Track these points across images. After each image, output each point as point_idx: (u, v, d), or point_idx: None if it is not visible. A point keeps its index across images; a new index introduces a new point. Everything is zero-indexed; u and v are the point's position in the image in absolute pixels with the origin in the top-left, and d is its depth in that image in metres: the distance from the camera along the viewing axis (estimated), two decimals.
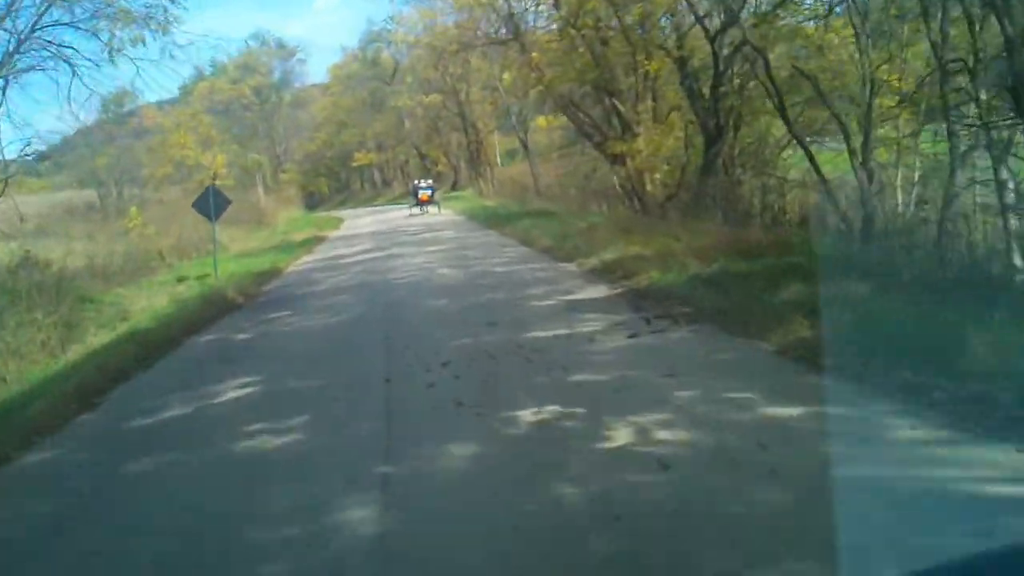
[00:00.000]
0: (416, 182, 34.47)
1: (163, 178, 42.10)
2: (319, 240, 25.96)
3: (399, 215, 33.97)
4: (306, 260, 19.78)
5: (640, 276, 9.64)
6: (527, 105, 37.39)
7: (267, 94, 49.78)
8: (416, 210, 31.71)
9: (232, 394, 6.61)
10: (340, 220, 36.36)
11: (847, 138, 16.33)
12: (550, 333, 7.40)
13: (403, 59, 53.92)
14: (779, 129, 18.64)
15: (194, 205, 18.99)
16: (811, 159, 16.45)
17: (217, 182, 43.20)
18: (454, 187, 49.80)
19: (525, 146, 37.09)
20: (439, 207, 31.97)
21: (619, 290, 9.44)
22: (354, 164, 66.11)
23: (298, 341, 8.87)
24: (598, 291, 9.60)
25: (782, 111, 16.50)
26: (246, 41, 51.30)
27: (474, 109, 40.95)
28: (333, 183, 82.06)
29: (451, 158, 50.88)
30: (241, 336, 9.75)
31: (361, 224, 32.34)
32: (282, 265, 18.82)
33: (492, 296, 10.00)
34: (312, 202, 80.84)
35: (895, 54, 15.83)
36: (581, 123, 21.19)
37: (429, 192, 32.19)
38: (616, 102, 20.35)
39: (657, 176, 20.65)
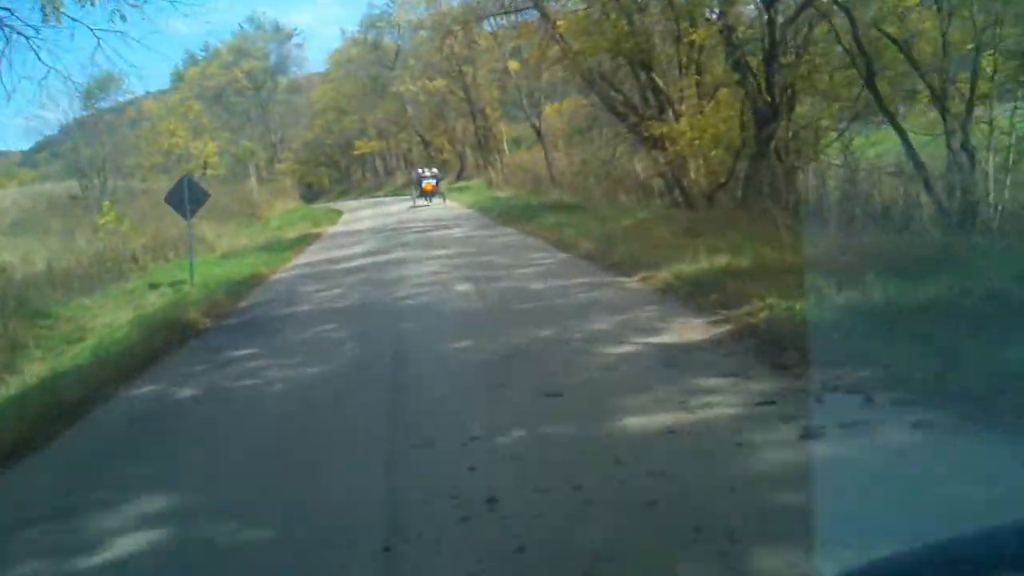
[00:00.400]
0: (419, 171, 32.11)
1: (151, 168, 39.26)
2: (313, 238, 23.08)
3: (402, 207, 31.08)
4: (295, 264, 16.89)
5: (749, 303, 6.70)
6: (540, 88, 34.41)
7: (262, 79, 46.59)
8: (421, 201, 29.65)
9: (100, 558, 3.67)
10: (339, 213, 33.46)
11: (944, 115, 13.47)
12: (656, 422, 4.47)
13: (406, 43, 50.93)
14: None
15: (167, 199, 16.29)
16: (906, 141, 13.56)
17: (207, 172, 40.41)
18: (460, 176, 46.80)
19: (538, 132, 34.11)
20: (444, 198, 29.84)
21: (725, 327, 6.49)
22: (355, 152, 63.13)
23: (255, 415, 5.94)
24: (692, 328, 6.65)
25: (870, 82, 13.61)
26: (240, 24, 48.37)
27: (481, 93, 37.90)
28: (333, 173, 79.20)
29: (456, 145, 47.86)
30: (182, 394, 6.85)
31: (361, 218, 29.45)
32: (267, 270, 15.96)
33: (537, 334, 7.05)
34: (311, 194, 77.90)
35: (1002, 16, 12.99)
36: (611, 102, 18.21)
37: (433, 182, 30.09)
38: (654, 77, 17.37)
39: (701, 163, 17.72)
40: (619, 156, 30.42)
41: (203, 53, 43.32)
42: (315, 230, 26.26)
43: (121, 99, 37.62)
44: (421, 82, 42.06)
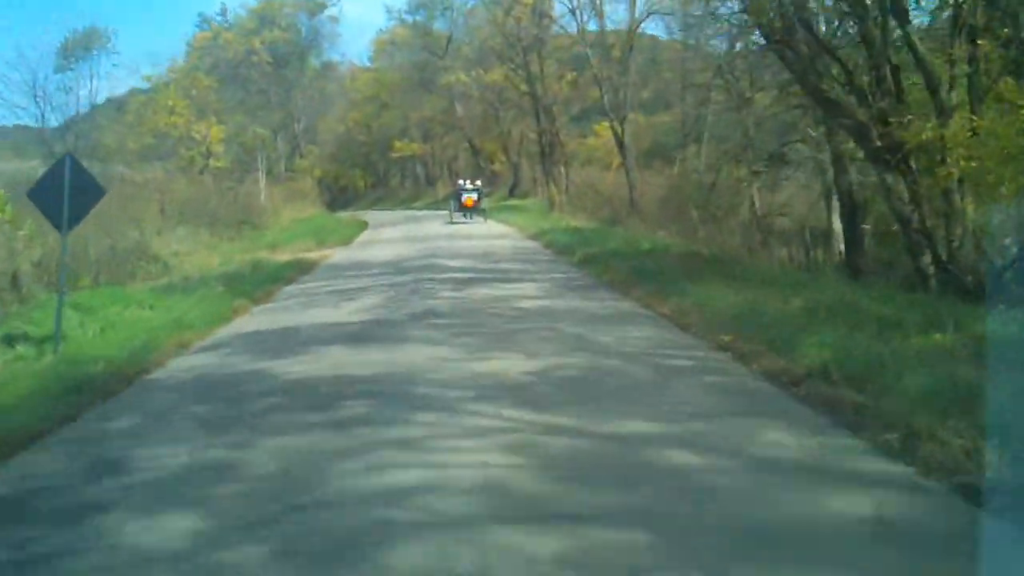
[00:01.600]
0: (460, 182, 27.57)
1: (140, 152, 32.23)
2: (303, 269, 15.71)
3: (437, 227, 23.87)
4: (240, 328, 9.37)
5: None
6: (626, 83, 26.70)
7: (287, 56, 39.09)
8: (459, 217, 25.33)
9: None
10: (359, 230, 26.12)
11: None
12: None
13: (459, 31, 43.64)
14: None
15: (31, 194, 9.83)
16: None
17: (210, 163, 33.46)
18: (513, 192, 39.23)
19: (620, 143, 26.44)
20: (486, 216, 25.41)
21: None
22: (393, 155, 55.83)
23: None
24: None
25: None
26: None
27: (549, 87, 30.24)
28: (369, 177, 72.04)
29: (511, 155, 40.26)
30: None
31: (383, 239, 22.15)
32: (188, 337, 8.54)
33: None
34: (341, 199, 70.42)
35: None
36: (813, 87, 10.46)
37: (475, 196, 25.80)
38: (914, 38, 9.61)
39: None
40: (722, 182, 22.81)
41: (220, 18, 36.35)
42: (316, 254, 18.91)
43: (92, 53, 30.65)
44: (475, 73, 34.53)
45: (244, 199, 26.87)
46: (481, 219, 24.64)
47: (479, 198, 25.45)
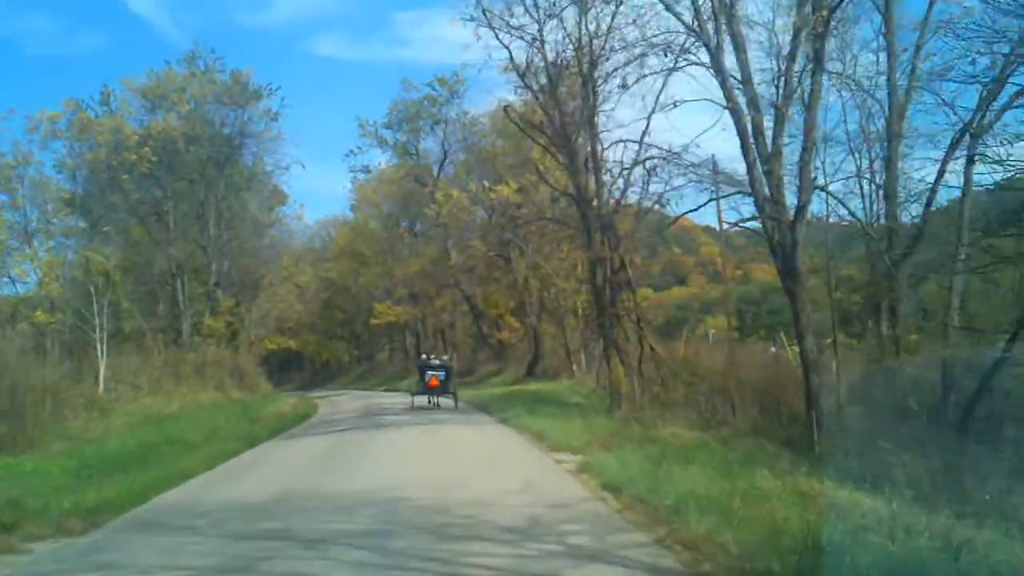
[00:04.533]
0: (423, 356, 22.87)
1: None
2: None
3: (411, 433, 10.93)
4: None
5: None
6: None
7: (192, 159, 25.28)
8: (421, 400, 19.75)
9: None
10: (249, 441, 12.74)
11: None
12: None
13: (455, 148, 32.16)
14: None
15: None
16: None
17: (37, 315, 19.89)
18: (533, 369, 25.87)
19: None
20: (456, 400, 19.78)
21: None
22: (375, 321, 43.26)
23: None
24: None
25: None
26: (167, 62, 26.61)
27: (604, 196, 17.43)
28: (354, 349, 59.39)
29: (528, 315, 27.23)
30: None
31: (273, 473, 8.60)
32: None
33: None
34: (323, 374, 57.55)
35: None
36: None
37: (442, 375, 19.87)
38: None
39: None
40: None
41: (95, 104, 23.04)
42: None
43: None
44: (475, 188, 22.17)
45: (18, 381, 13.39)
46: (451, 402, 19.62)
47: (447, 377, 20.07)
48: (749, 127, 10.23)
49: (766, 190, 9.87)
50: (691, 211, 11.51)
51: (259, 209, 28.32)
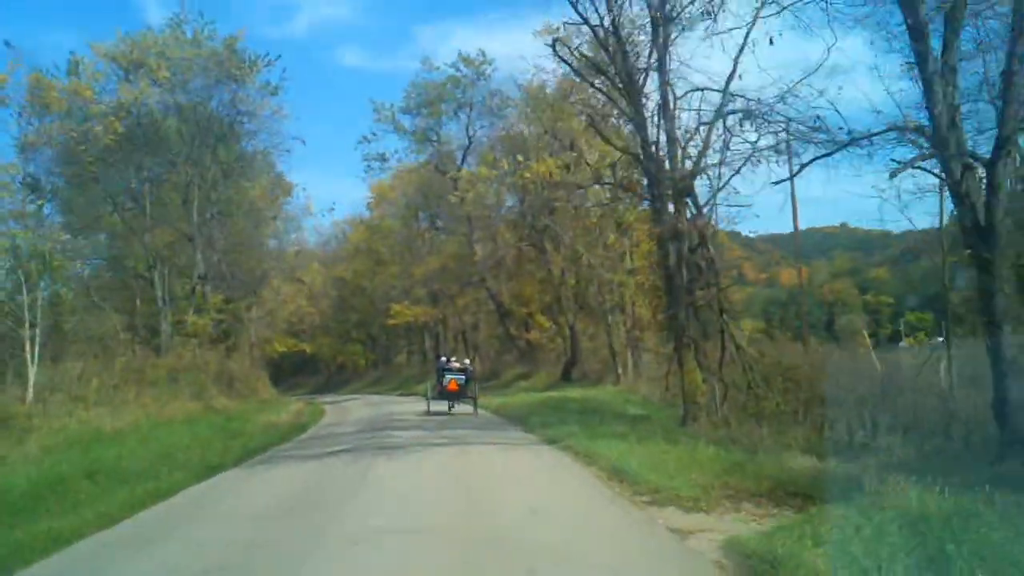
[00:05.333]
0: (442, 359, 21.13)
1: None
2: None
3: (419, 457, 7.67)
4: None
5: None
6: None
7: (174, 136, 21.93)
8: (438, 405, 18.59)
9: None
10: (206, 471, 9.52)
11: None
12: None
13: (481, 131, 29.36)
14: None
15: None
16: None
17: None
18: (569, 372, 22.95)
19: None
20: (476, 406, 17.98)
21: None
22: (391, 322, 40.56)
23: None
24: None
25: None
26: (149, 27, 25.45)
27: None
28: (370, 352, 56.68)
29: (566, 312, 24.27)
30: None
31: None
32: None
33: None
34: (337, 379, 55.12)
35: None
36: None
37: (461, 379, 18.63)
38: None
39: None
40: None
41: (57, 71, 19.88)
42: None
43: None
44: (508, 163, 19.27)
45: None
46: (470, 408, 17.98)
47: (467, 381, 18.77)
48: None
49: (944, 120, 6.92)
50: (820, 158, 8.28)
51: (260, 198, 25.37)
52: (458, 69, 28.79)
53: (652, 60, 11.73)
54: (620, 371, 19.93)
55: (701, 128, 11.58)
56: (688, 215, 11.22)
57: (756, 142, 10.53)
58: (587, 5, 11.64)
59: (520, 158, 18.32)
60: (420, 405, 19.68)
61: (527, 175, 18.01)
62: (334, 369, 58.95)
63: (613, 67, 11.88)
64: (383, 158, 31.84)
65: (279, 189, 27.14)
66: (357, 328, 52.48)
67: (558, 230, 20.82)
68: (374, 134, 31.60)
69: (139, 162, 20.14)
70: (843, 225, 60.55)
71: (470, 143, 29.79)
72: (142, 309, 20.90)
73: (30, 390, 13.17)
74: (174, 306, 20.54)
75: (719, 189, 11.35)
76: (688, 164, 11.58)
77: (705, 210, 11.34)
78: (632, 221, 19.44)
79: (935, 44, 7.42)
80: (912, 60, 7.66)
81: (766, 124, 10.32)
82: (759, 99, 10.44)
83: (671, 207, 11.48)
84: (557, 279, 23.55)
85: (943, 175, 7.15)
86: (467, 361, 20.83)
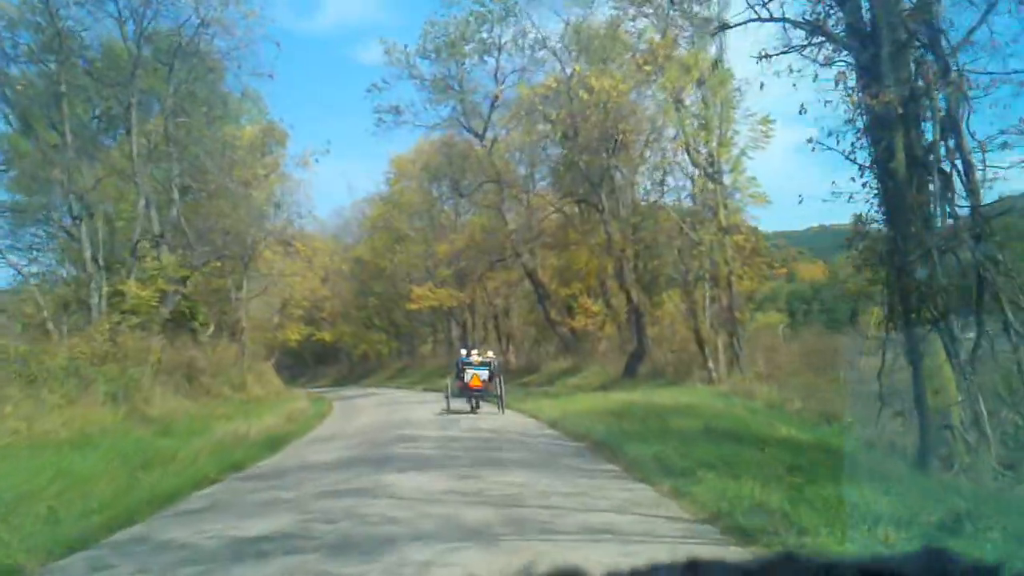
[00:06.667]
0: (463, 351, 18.35)
1: None
2: None
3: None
4: None
5: None
6: None
7: (103, 38, 16.63)
8: (458, 403, 16.73)
9: None
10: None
11: None
12: None
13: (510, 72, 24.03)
14: None
15: None
16: None
17: None
18: (635, 367, 17.75)
19: None
20: (503, 406, 15.94)
21: None
22: (412, 307, 35.63)
23: None
24: None
25: None
26: None
27: None
28: (393, 341, 51.95)
29: (630, 288, 18.92)
30: None
31: None
32: None
33: None
34: (361, 368, 51.51)
35: None
36: None
37: (484, 373, 16.54)
38: None
39: None
40: None
41: None
42: None
43: None
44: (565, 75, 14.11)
45: None
46: (497, 409, 15.68)
47: (491, 377, 16.42)
48: None
49: None
50: None
51: (248, 153, 20.17)
52: (482, 4, 23.55)
53: None
54: (711, 366, 14.64)
55: None
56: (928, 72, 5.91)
57: None
58: None
59: (578, 67, 13.06)
60: (441, 405, 17.03)
61: (584, 95, 12.77)
62: (356, 359, 54.82)
63: None
64: (397, 110, 26.46)
65: (271, 134, 21.93)
66: (378, 315, 48.11)
67: (624, 173, 15.62)
68: (385, 81, 26.23)
69: (48, 69, 14.98)
70: None
71: (499, 95, 24.41)
72: (67, 277, 15.99)
73: None
74: (117, 275, 15.42)
75: (974, 29, 6.00)
76: None
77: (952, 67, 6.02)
78: None
79: None
80: None
81: None
82: None
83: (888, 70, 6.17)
84: (618, 245, 18.13)
85: None
86: (491, 353, 18.51)
